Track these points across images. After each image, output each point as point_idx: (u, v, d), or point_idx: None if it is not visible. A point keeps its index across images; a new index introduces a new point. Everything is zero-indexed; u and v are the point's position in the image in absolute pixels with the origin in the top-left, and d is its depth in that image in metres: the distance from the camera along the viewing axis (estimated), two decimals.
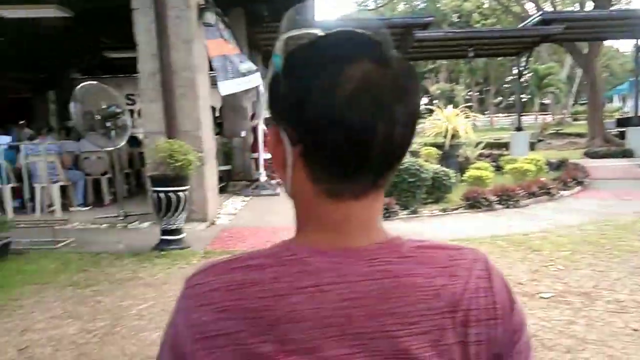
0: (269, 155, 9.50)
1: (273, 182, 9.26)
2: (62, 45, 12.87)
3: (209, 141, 6.37)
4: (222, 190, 8.02)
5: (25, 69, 15.09)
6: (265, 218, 6.56)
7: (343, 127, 0.56)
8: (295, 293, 0.57)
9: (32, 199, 6.92)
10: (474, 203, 6.80)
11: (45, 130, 8.28)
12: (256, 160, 9.23)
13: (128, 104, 14.25)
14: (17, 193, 7.12)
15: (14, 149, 7.14)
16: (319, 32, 0.63)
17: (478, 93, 45.96)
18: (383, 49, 0.59)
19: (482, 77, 43.26)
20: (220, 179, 7.85)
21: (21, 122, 12.58)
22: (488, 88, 44.68)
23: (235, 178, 10.08)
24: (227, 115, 10.95)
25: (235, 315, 0.57)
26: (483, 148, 12.40)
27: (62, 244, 5.14)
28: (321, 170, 0.59)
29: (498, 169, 9.84)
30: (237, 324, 0.56)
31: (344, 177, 0.59)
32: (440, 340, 0.57)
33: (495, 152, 13.92)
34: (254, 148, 9.42)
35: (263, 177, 8.81)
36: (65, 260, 4.61)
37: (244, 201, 8.09)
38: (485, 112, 39.47)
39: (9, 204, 6.78)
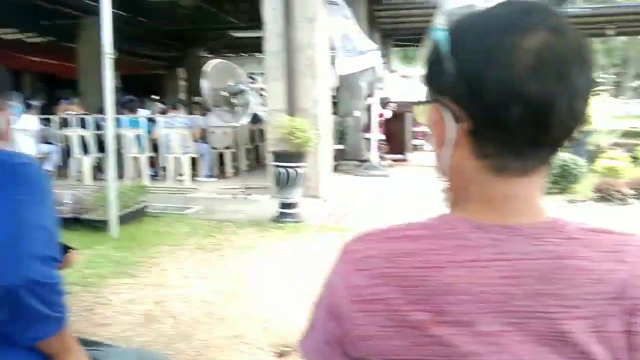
0: (381, 136, 9.49)
1: (384, 163, 9.22)
2: (193, 25, 13.81)
3: (326, 120, 6.48)
4: (334, 169, 8.15)
5: (159, 47, 16.44)
6: (377, 199, 6.56)
7: (523, 101, 0.54)
8: (452, 266, 0.57)
9: (164, 168, 7.59)
10: (604, 195, 6.23)
11: (178, 104, 8.94)
12: (368, 140, 9.23)
13: (250, 82, 15.01)
14: (151, 162, 7.86)
15: (150, 122, 7.85)
16: (483, 4, 0.61)
17: (614, 76, 41.56)
18: (557, 18, 0.57)
19: (620, 58, 38.97)
20: (334, 158, 7.98)
21: (154, 96, 13.80)
22: (625, 71, 40.21)
23: (347, 157, 10.19)
24: (342, 95, 11.05)
25: (391, 282, 0.58)
26: (618, 137, 11.26)
27: (191, 210, 5.59)
28: (493, 147, 0.58)
29: (634, 159, 8.89)
30: (392, 290, 0.58)
31: (518, 153, 0.58)
32: (603, 327, 0.55)
33: (631, 141, 12.54)
34: (367, 128, 9.42)
35: (375, 158, 8.80)
36: (194, 225, 5.01)
37: (355, 181, 8.16)
38: (621, 97, 35.62)
39: (146, 172, 7.50)
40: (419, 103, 0.69)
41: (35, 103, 8.66)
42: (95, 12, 11.89)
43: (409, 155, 11.62)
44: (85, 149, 7.31)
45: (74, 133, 7.26)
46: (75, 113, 7.89)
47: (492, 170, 0.59)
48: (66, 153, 7.53)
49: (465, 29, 0.60)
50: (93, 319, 2.89)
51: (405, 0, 10.58)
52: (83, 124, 7.20)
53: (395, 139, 10.34)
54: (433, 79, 0.63)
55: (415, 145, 13.58)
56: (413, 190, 7.05)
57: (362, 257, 0.61)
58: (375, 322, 0.58)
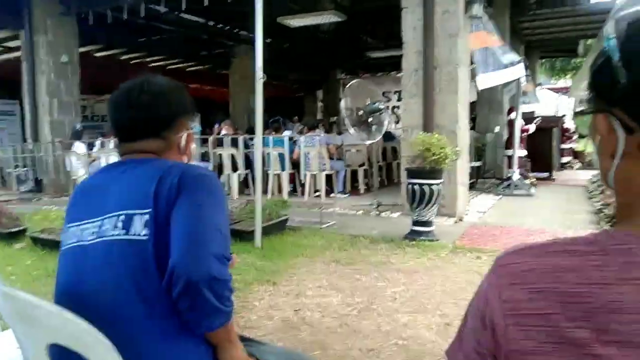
0: (524, 153, 8.93)
1: (527, 181, 8.64)
2: (332, 48, 14.40)
3: (464, 136, 6.30)
4: (470, 186, 7.86)
5: (300, 71, 17.38)
6: (518, 219, 6.18)
7: None
8: (619, 284, 0.55)
9: (303, 184, 8.00)
10: None
11: (316, 124, 9.38)
12: (510, 157, 8.74)
13: (384, 101, 15.17)
14: (290, 179, 8.34)
15: (292, 141, 8.34)
16: None
17: None
18: None
19: None
20: (470, 176, 7.70)
21: (294, 117, 14.60)
22: None
23: (485, 175, 9.75)
24: (481, 110, 10.65)
25: (551, 297, 0.57)
26: None
27: (327, 225, 5.80)
28: None
29: None
30: (551, 306, 0.57)
31: None
32: None
33: None
34: (509, 144, 8.94)
35: (516, 176, 8.30)
36: (329, 239, 5.19)
37: (494, 199, 7.78)
38: None
39: (286, 187, 7.96)
40: (581, 113, 0.68)
41: (193, 125, 9.72)
42: (245, 41, 13.06)
43: (556, 174, 10.76)
44: (234, 166, 8.00)
45: (225, 152, 7.99)
46: (225, 133, 8.69)
47: None
48: (218, 170, 8.31)
49: None
50: (239, 321, 3.13)
51: (552, 10, 9.92)
52: (233, 143, 7.89)
53: (540, 156, 9.67)
54: (601, 90, 0.62)
55: (563, 163, 12.52)
56: (559, 210, 6.51)
57: (519, 271, 0.61)
58: (533, 337, 0.58)
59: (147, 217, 1.12)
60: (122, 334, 1.06)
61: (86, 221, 1.21)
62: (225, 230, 1.16)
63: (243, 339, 1.27)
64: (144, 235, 1.11)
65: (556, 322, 0.56)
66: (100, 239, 1.15)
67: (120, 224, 1.14)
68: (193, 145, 1.45)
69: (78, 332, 1.01)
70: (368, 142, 7.89)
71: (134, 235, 1.12)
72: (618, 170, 0.61)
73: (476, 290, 0.68)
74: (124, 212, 1.15)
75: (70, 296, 1.17)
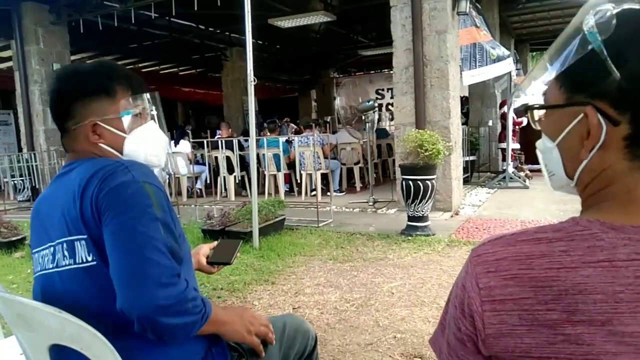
0: (517, 146, 8.99)
1: (521, 174, 8.71)
2: (323, 48, 14.45)
3: (457, 131, 6.35)
4: (465, 181, 7.92)
5: (292, 71, 17.42)
6: (513, 211, 6.24)
7: None
8: (585, 267, 0.58)
9: (299, 184, 8.03)
10: None
11: (310, 124, 9.42)
12: (503, 150, 8.81)
13: (377, 99, 15.24)
14: (286, 179, 8.38)
15: (287, 142, 8.37)
16: (634, 4, 0.60)
17: None
18: None
19: None
20: (464, 170, 7.75)
21: (285, 118, 14.61)
22: None
23: (480, 169, 9.81)
24: (474, 104, 10.71)
25: (523, 283, 0.60)
26: None
27: (323, 223, 5.84)
28: None
29: None
30: (523, 291, 0.60)
31: None
32: None
33: None
34: (502, 138, 9.00)
35: (510, 169, 8.36)
36: (326, 237, 5.23)
37: (489, 193, 7.83)
38: None
39: (282, 187, 8.00)
40: (553, 107, 0.68)
41: (188, 130, 9.79)
42: (237, 43, 13.07)
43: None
44: (230, 168, 8.03)
45: (220, 154, 8.02)
46: (219, 137, 8.71)
47: None
48: (214, 172, 8.34)
49: (628, 30, 0.59)
50: None
51: (541, 3, 9.97)
52: (229, 146, 7.92)
53: (533, 148, 9.65)
54: (582, 83, 0.63)
55: None
56: (553, 201, 6.57)
57: (493, 259, 0.64)
58: (507, 321, 0.61)
59: (84, 242, 1.07)
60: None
61: (41, 247, 1.17)
62: (162, 241, 1.03)
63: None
64: (92, 260, 1.06)
65: (529, 305, 0.59)
66: (57, 269, 1.12)
67: (66, 253, 1.09)
68: (125, 137, 1.23)
69: (76, 331, 1.04)
70: (362, 140, 7.95)
71: (82, 263, 1.07)
72: (590, 161, 0.63)
73: (455, 280, 0.71)
74: (65, 239, 1.10)
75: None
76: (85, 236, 1.07)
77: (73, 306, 1.07)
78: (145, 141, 1.26)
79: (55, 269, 1.12)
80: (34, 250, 1.20)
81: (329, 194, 7.11)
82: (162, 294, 0.99)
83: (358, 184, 8.66)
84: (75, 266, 1.08)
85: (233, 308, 1.42)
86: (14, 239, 5.32)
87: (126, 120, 1.23)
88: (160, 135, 1.33)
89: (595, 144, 0.62)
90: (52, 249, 1.13)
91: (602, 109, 0.60)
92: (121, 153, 1.23)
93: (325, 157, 7.80)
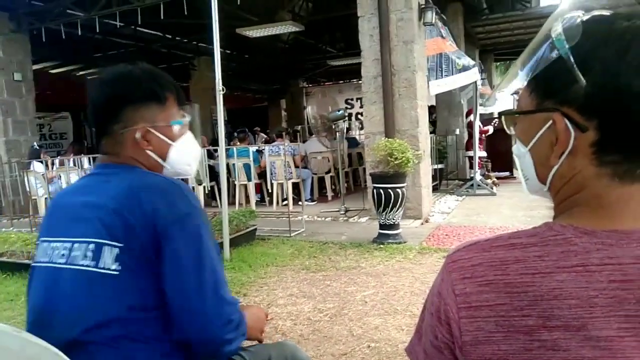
0: (484, 154, 9.20)
1: (488, 181, 8.90)
2: (292, 57, 14.49)
3: (425, 140, 6.45)
4: (434, 188, 8.03)
5: (261, 81, 17.40)
6: (481, 218, 6.36)
7: None
8: (559, 272, 0.58)
9: (270, 193, 7.99)
10: None
11: (281, 133, 9.40)
12: (471, 158, 8.99)
13: (347, 108, 15.37)
14: (257, 188, 8.32)
15: (257, 152, 8.32)
16: (603, 11, 0.61)
17: None
18: None
19: None
20: (433, 178, 7.87)
21: (256, 128, 14.55)
22: None
23: (448, 177, 9.98)
24: (441, 113, 10.91)
25: (498, 288, 0.60)
26: None
27: (295, 232, 5.81)
28: (620, 154, 0.59)
29: None
30: (499, 297, 0.60)
31: None
32: None
33: None
34: (469, 146, 9.19)
35: (478, 176, 8.53)
36: (299, 247, 5.21)
37: (457, 200, 7.96)
38: None
39: (253, 197, 7.94)
40: (525, 112, 0.68)
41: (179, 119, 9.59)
42: (205, 53, 12.97)
43: (517, 172, 11.09)
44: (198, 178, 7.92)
45: None
46: None
47: (614, 176, 0.60)
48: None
49: (595, 36, 0.59)
50: None
51: (504, 14, 10.27)
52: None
53: (501, 155, 9.96)
54: (550, 90, 0.63)
55: None
56: (520, 207, 6.73)
57: (468, 265, 0.64)
58: (483, 328, 0.60)
59: (117, 250, 1.07)
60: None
61: (57, 239, 1.16)
62: (223, 275, 1.16)
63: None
64: (114, 270, 1.06)
65: (505, 312, 0.59)
66: (70, 266, 1.11)
67: (90, 254, 1.09)
68: (172, 145, 1.26)
69: (36, 352, 0.99)
70: (333, 149, 7.97)
71: (103, 268, 1.07)
72: (561, 167, 0.64)
73: (431, 287, 0.71)
74: (94, 240, 1.09)
75: (43, 322, 1.13)
76: (121, 245, 1.07)
77: (74, 310, 1.08)
78: (186, 150, 1.29)
79: (68, 266, 1.11)
80: (44, 239, 1.19)
81: (300, 203, 7.10)
82: (230, 331, 1.11)
83: (329, 193, 8.67)
84: (94, 269, 1.08)
85: (251, 308, 1.41)
86: None
87: (175, 128, 1.26)
88: (197, 146, 1.36)
89: (564, 150, 0.62)
90: (70, 244, 1.12)
91: (569, 115, 0.60)
92: (164, 160, 1.25)
93: (297, 167, 7.79)
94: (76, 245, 1.12)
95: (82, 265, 1.09)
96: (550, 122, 0.63)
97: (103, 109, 1.22)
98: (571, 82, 0.59)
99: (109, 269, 1.07)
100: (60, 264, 1.13)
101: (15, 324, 2.60)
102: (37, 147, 8.62)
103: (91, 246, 1.09)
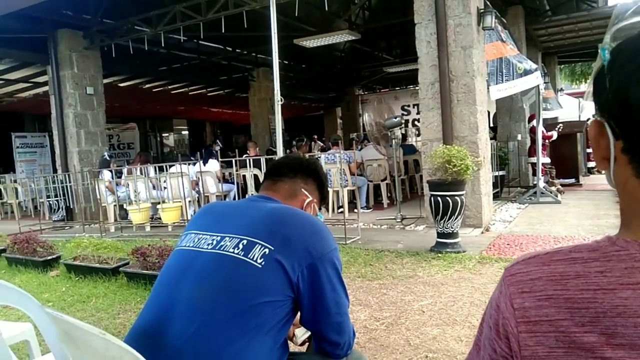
0: (547, 160, 8.83)
1: (553, 188, 8.53)
2: (348, 65, 14.56)
3: (485, 146, 6.29)
4: (495, 196, 7.79)
5: (318, 90, 17.58)
6: (545, 227, 6.10)
7: None
8: (623, 288, 0.57)
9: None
10: None
11: (337, 141, 9.45)
12: (533, 165, 8.66)
13: (403, 115, 15.22)
14: None
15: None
16: None
17: None
18: None
19: None
20: (494, 185, 7.64)
21: (314, 135, 14.68)
22: None
23: (510, 184, 9.65)
24: (502, 119, 10.60)
25: (558, 304, 0.59)
26: None
27: (351, 240, 5.82)
28: None
29: None
30: (559, 312, 0.59)
31: None
32: None
33: None
34: (532, 152, 8.86)
35: (541, 183, 8.20)
36: (354, 254, 5.20)
37: (520, 208, 7.68)
38: None
39: None
40: (589, 120, 0.70)
41: (216, 148, 9.94)
42: (263, 64, 13.29)
43: (583, 179, 10.58)
44: (257, 186, 8.10)
45: (248, 172, 8.10)
46: (247, 155, 8.81)
47: None
48: (243, 190, 8.42)
49: (624, 47, 0.60)
50: None
51: (568, 16, 9.86)
52: (256, 164, 8.00)
53: (565, 161, 9.54)
54: (595, 95, 0.64)
55: (589, 167, 12.31)
56: (586, 216, 6.41)
57: (527, 279, 0.63)
58: (543, 343, 0.59)
59: (266, 250, 1.24)
60: (205, 327, 1.18)
61: (206, 232, 1.36)
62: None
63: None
64: (260, 263, 1.23)
65: (565, 327, 0.58)
66: (216, 251, 1.28)
67: (241, 246, 1.26)
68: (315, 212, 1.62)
69: (119, 353, 1.07)
70: (389, 156, 7.92)
71: (251, 259, 1.23)
72: (614, 174, 0.63)
73: (489, 300, 0.70)
74: (247, 238, 1.28)
75: (169, 293, 1.29)
76: (272, 248, 1.25)
77: (206, 286, 1.25)
78: None
79: (213, 250, 1.29)
80: (190, 231, 1.41)
81: (355, 210, 7.09)
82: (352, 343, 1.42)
83: (385, 201, 8.61)
84: (241, 257, 1.25)
85: None
86: (49, 258, 5.47)
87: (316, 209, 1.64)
88: None
89: (604, 156, 0.63)
90: (218, 237, 1.32)
91: (608, 122, 0.61)
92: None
93: (352, 174, 7.80)
94: (227, 238, 1.30)
95: (231, 253, 1.26)
96: (598, 127, 0.64)
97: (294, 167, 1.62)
98: (602, 88, 0.61)
99: (255, 261, 1.23)
100: (204, 248, 1.31)
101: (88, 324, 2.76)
102: (108, 158, 9.14)
103: (244, 241, 1.27)
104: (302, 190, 1.58)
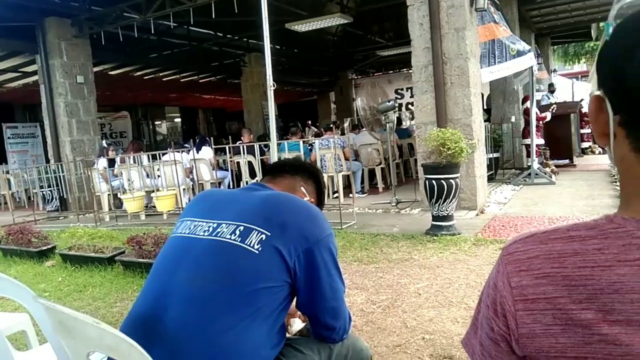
0: (541, 141, 8.85)
1: (547, 169, 8.56)
2: (341, 50, 14.45)
3: (479, 128, 6.28)
4: (490, 178, 7.81)
5: (311, 74, 17.47)
6: (539, 208, 6.13)
7: None
8: (620, 265, 0.57)
9: None
10: None
11: (330, 126, 9.42)
12: (528, 146, 8.68)
13: (397, 98, 15.18)
14: None
15: (307, 145, 8.38)
16: None
17: None
18: None
19: None
20: (488, 167, 7.65)
21: (308, 121, 14.63)
22: None
23: (504, 166, 9.68)
24: (496, 101, 10.58)
25: (556, 281, 0.59)
26: None
27: (347, 225, 5.83)
28: None
29: None
30: (557, 289, 0.59)
31: None
32: None
33: None
34: (526, 134, 8.87)
35: (535, 165, 8.23)
36: (350, 239, 5.22)
37: (514, 190, 7.71)
38: None
39: None
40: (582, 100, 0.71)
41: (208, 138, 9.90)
42: (255, 49, 13.17)
43: (576, 160, 10.62)
44: (252, 173, 8.08)
45: (242, 159, 8.08)
46: (240, 142, 8.78)
47: None
48: (237, 177, 8.40)
49: (625, 23, 0.61)
50: None
51: None
52: (250, 151, 7.98)
53: (559, 142, 9.57)
54: (598, 70, 0.65)
55: (583, 148, 12.36)
56: (580, 197, 6.44)
57: (524, 258, 0.63)
58: (540, 321, 0.60)
59: (263, 236, 1.25)
60: (202, 313, 1.19)
61: (202, 219, 1.36)
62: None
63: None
64: (257, 249, 1.23)
65: (562, 305, 0.58)
66: (213, 237, 1.28)
67: (238, 232, 1.27)
68: None
69: (114, 341, 1.07)
70: (383, 141, 7.91)
71: (248, 245, 1.24)
72: (613, 150, 0.63)
73: (487, 279, 0.70)
74: (244, 224, 1.28)
75: (165, 280, 1.29)
76: (269, 234, 1.25)
77: (203, 270, 1.25)
78: None
79: (210, 237, 1.29)
80: (186, 218, 1.41)
81: (351, 195, 7.10)
82: (349, 326, 1.47)
83: (380, 185, 8.62)
84: (238, 243, 1.25)
85: None
86: (44, 248, 5.45)
87: None
88: None
89: (607, 131, 0.62)
90: (215, 224, 1.32)
91: (607, 96, 0.61)
92: None
93: (347, 159, 7.79)
94: (223, 225, 1.30)
95: (227, 239, 1.27)
96: (597, 101, 0.64)
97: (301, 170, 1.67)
98: (604, 62, 0.62)
99: (252, 247, 1.24)
100: (200, 235, 1.31)
101: (84, 313, 2.75)
102: (105, 146, 9.08)
103: (240, 228, 1.28)
104: (301, 188, 1.58)
